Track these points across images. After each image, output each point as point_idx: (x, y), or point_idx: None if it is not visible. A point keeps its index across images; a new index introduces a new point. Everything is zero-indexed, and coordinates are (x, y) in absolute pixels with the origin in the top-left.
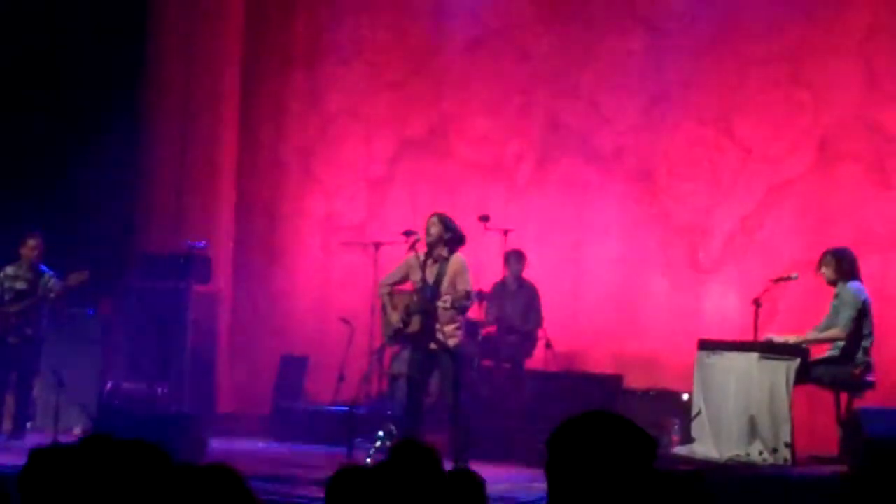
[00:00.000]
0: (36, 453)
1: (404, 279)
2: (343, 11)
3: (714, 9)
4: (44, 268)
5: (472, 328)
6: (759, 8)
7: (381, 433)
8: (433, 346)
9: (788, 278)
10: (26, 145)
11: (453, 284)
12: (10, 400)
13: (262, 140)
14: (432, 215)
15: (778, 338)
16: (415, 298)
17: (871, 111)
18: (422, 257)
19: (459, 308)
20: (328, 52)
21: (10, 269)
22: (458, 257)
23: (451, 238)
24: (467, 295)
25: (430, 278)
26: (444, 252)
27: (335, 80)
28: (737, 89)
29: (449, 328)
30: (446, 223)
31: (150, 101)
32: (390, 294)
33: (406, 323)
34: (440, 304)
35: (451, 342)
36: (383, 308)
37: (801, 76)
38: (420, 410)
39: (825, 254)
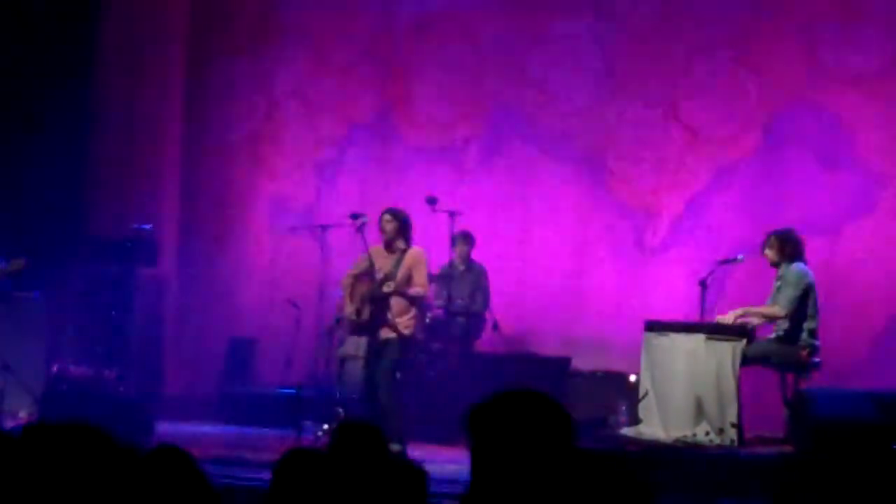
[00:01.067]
0: None
1: (371, 266)
2: None
3: None
4: None
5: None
6: None
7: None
8: (385, 334)
9: (735, 260)
10: None
11: (409, 276)
12: None
13: (209, 123)
14: (384, 212)
15: (720, 317)
16: (374, 287)
17: (816, 94)
18: (381, 249)
19: (411, 297)
20: (274, 36)
21: None
22: (417, 250)
23: (407, 229)
24: (423, 285)
25: (386, 269)
26: (402, 245)
27: (282, 64)
28: (683, 73)
29: (402, 319)
30: (399, 217)
31: (94, 84)
32: (352, 285)
33: (359, 311)
34: (384, 288)
35: (405, 331)
36: (344, 298)
37: (746, 60)
38: (376, 398)
39: (768, 236)
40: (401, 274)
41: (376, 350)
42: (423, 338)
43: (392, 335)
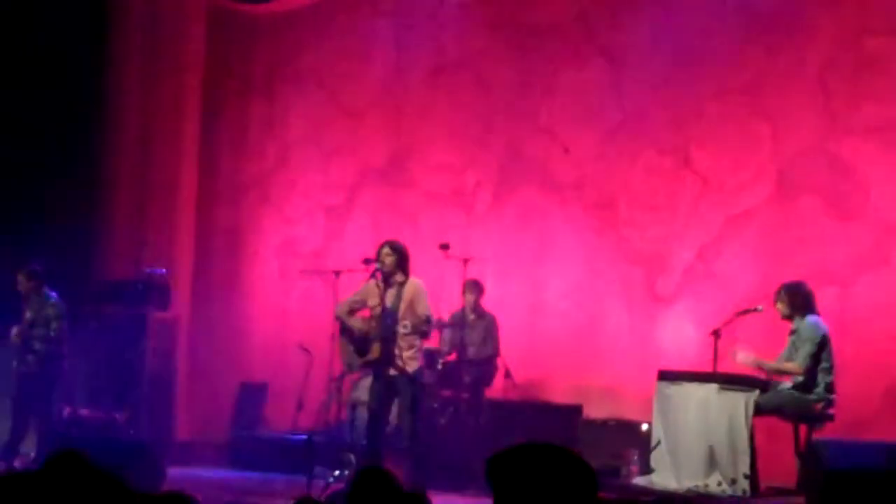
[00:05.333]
0: (3, 479)
1: (362, 304)
2: (304, 39)
3: (673, 40)
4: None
5: (430, 357)
6: (719, 39)
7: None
8: (392, 372)
9: (754, 310)
10: None
11: (412, 309)
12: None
13: (222, 167)
14: (383, 245)
15: (743, 354)
16: (373, 324)
17: (829, 144)
18: (380, 283)
19: (420, 332)
20: (288, 80)
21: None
22: (415, 281)
23: (405, 261)
24: (428, 319)
25: (389, 304)
26: (400, 277)
27: (295, 108)
28: (695, 120)
29: (408, 353)
30: (398, 250)
31: (109, 127)
32: (349, 314)
33: (365, 350)
34: (400, 328)
35: (410, 367)
36: (342, 329)
37: (759, 108)
38: (380, 439)
39: (779, 289)
40: (403, 307)
41: (384, 389)
42: (434, 381)
43: (398, 373)
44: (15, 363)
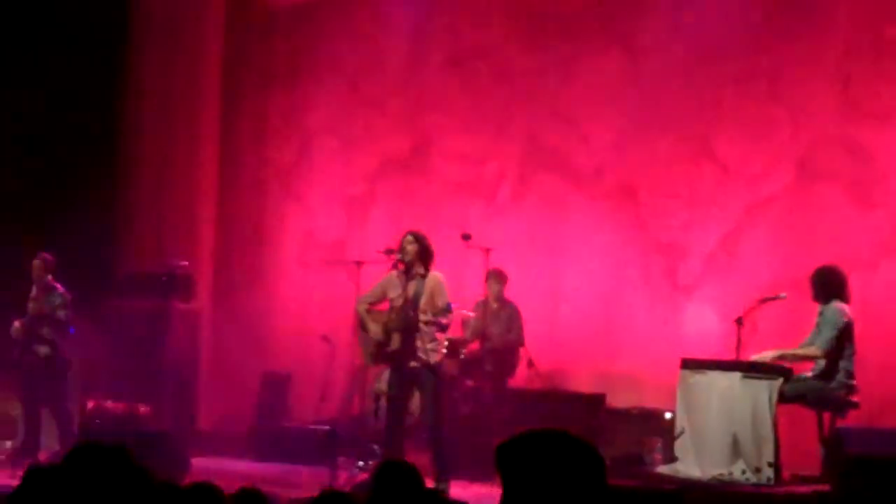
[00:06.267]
0: (31, 472)
1: (382, 297)
2: (322, 30)
3: (692, 27)
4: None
5: (454, 347)
6: (737, 26)
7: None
8: (413, 363)
9: (777, 297)
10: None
11: (432, 301)
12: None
13: (243, 158)
14: (407, 234)
15: (756, 356)
16: (393, 316)
17: (849, 129)
18: (401, 275)
19: (440, 324)
20: (308, 71)
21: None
22: (436, 274)
23: (427, 255)
24: (447, 308)
25: (410, 295)
26: (420, 269)
27: (315, 99)
28: (715, 107)
29: (430, 345)
30: (421, 241)
31: (130, 119)
32: (368, 311)
33: (386, 341)
34: (421, 318)
35: (432, 359)
36: (361, 325)
37: (779, 94)
38: (402, 430)
39: (813, 272)
40: (424, 300)
41: (405, 380)
42: (457, 371)
43: (420, 364)
44: (20, 355)
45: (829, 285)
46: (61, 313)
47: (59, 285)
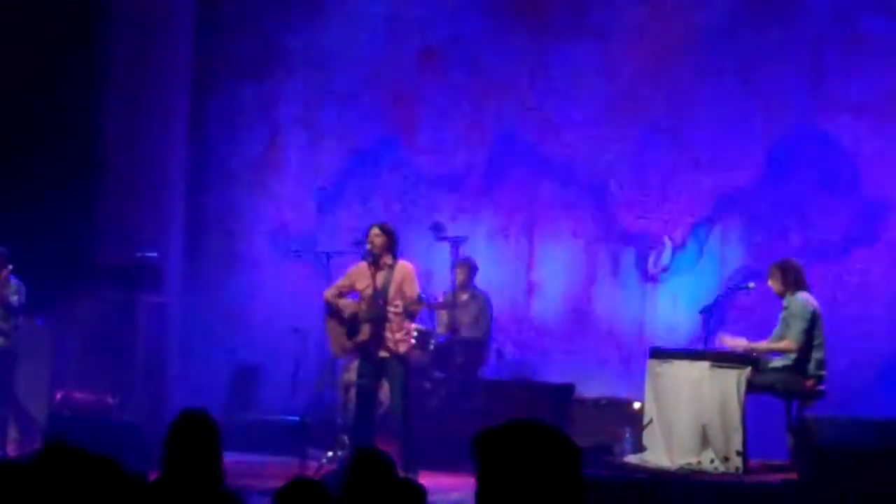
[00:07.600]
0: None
1: (350, 288)
2: (294, 22)
3: (665, 19)
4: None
5: (423, 338)
6: (710, 17)
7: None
8: (383, 353)
9: (746, 287)
10: None
11: (401, 291)
12: None
13: (213, 150)
14: (373, 226)
15: (730, 339)
16: (363, 307)
17: (820, 121)
18: (370, 266)
19: (410, 313)
20: (279, 63)
21: None
22: (405, 264)
23: (394, 245)
24: (419, 299)
25: (379, 286)
26: (389, 260)
27: (286, 91)
28: (687, 98)
29: (398, 335)
30: (388, 232)
31: (99, 109)
32: (338, 297)
33: (355, 332)
34: (391, 309)
35: (401, 348)
36: (330, 314)
37: (751, 86)
38: (371, 420)
39: (771, 266)
40: (393, 289)
41: (374, 370)
42: (427, 361)
43: (389, 354)
44: None
45: (790, 275)
46: (14, 299)
47: (13, 277)
